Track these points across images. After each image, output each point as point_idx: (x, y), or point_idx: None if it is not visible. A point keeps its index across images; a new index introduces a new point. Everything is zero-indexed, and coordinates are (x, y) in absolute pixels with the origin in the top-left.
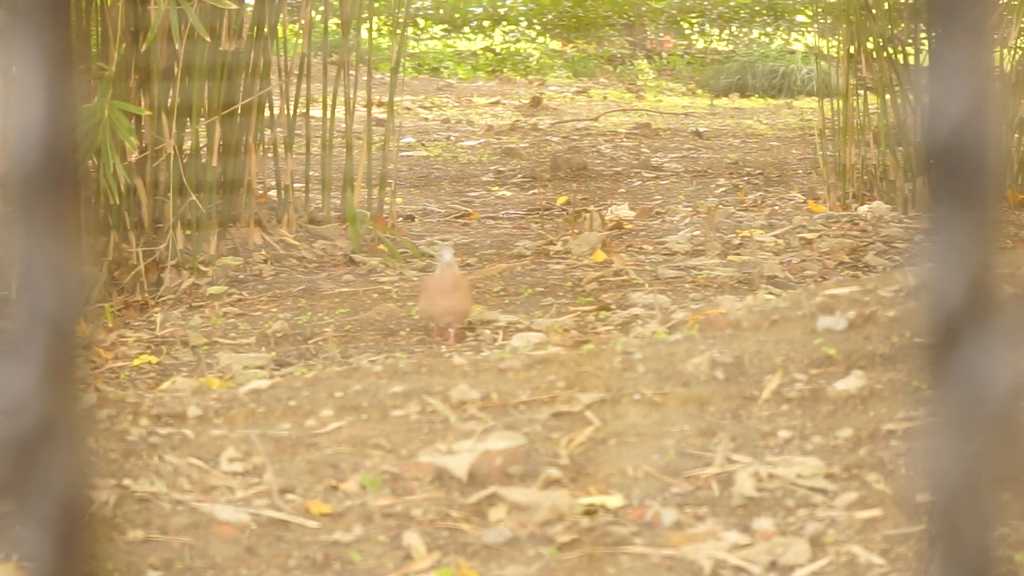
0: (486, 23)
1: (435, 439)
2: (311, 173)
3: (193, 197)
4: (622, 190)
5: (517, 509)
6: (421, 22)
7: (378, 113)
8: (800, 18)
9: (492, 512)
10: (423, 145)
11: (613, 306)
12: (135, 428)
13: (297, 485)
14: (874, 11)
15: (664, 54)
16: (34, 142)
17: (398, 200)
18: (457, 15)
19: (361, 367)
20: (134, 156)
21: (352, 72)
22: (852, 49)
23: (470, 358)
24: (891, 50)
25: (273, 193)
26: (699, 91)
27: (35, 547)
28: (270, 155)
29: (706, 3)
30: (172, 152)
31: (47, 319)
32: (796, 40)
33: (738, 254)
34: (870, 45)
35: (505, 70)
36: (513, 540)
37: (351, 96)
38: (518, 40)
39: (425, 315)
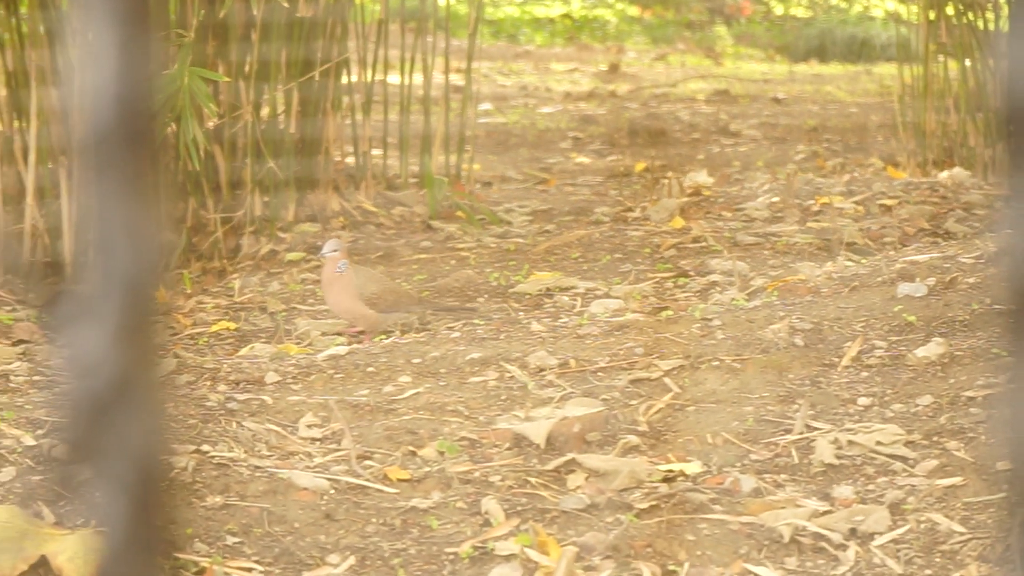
0: None
1: (513, 405)
2: (389, 139)
3: (271, 163)
4: (700, 156)
5: (595, 475)
6: None
7: (456, 79)
8: None
9: (570, 478)
10: (501, 111)
11: (692, 272)
12: (213, 394)
13: (375, 451)
14: None
15: (743, 19)
16: (108, 103)
17: (476, 166)
18: None
19: (439, 333)
20: (212, 122)
21: (430, 37)
22: (932, 14)
23: (548, 324)
24: (971, 15)
25: (351, 159)
26: (778, 57)
27: (111, 509)
28: (348, 120)
29: None
30: (250, 117)
31: (122, 280)
32: (875, 5)
33: (817, 220)
34: (950, 10)
35: (583, 36)
36: (591, 506)
37: (429, 62)
38: (596, 6)
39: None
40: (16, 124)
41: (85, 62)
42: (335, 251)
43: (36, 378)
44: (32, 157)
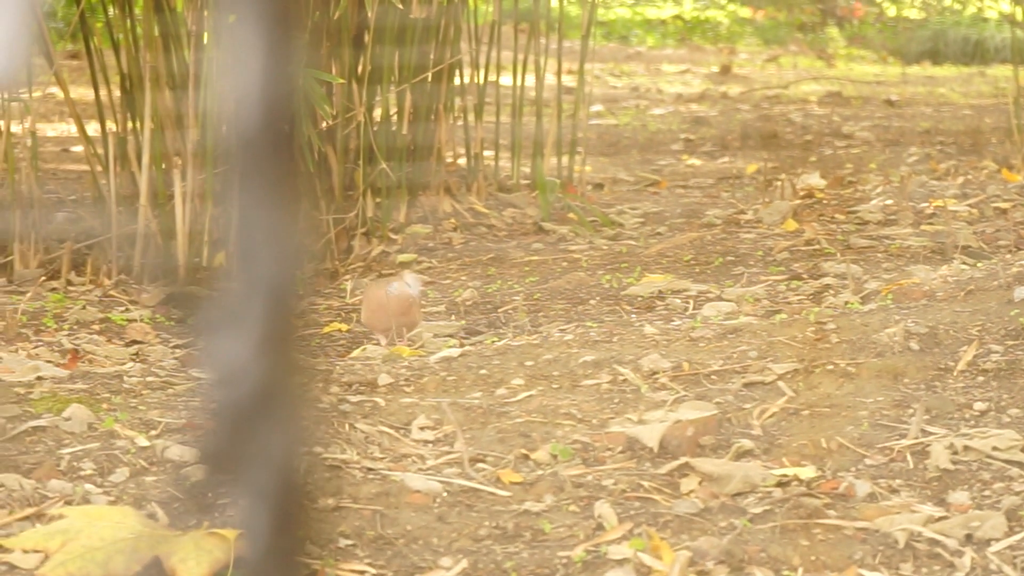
0: None
1: (626, 409)
2: (500, 141)
3: (383, 164)
4: (813, 159)
5: (709, 480)
6: None
7: (568, 81)
8: None
9: (684, 483)
10: (612, 113)
11: (805, 275)
12: (326, 396)
13: (488, 454)
14: None
15: (855, 21)
16: (253, 106)
17: (587, 168)
18: None
19: (551, 336)
20: (326, 124)
21: (542, 39)
22: None
23: (661, 327)
24: None
25: (463, 160)
26: (890, 59)
27: (251, 517)
28: (460, 122)
29: None
30: (362, 120)
31: (265, 286)
32: (989, 7)
33: (931, 223)
34: None
35: (694, 38)
36: (705, 511)
37: (541, 63)
38: (707, 7)
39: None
40: (130, 126)
41: (229, 65)
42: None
43: (150, 379)
44: (146, 159)
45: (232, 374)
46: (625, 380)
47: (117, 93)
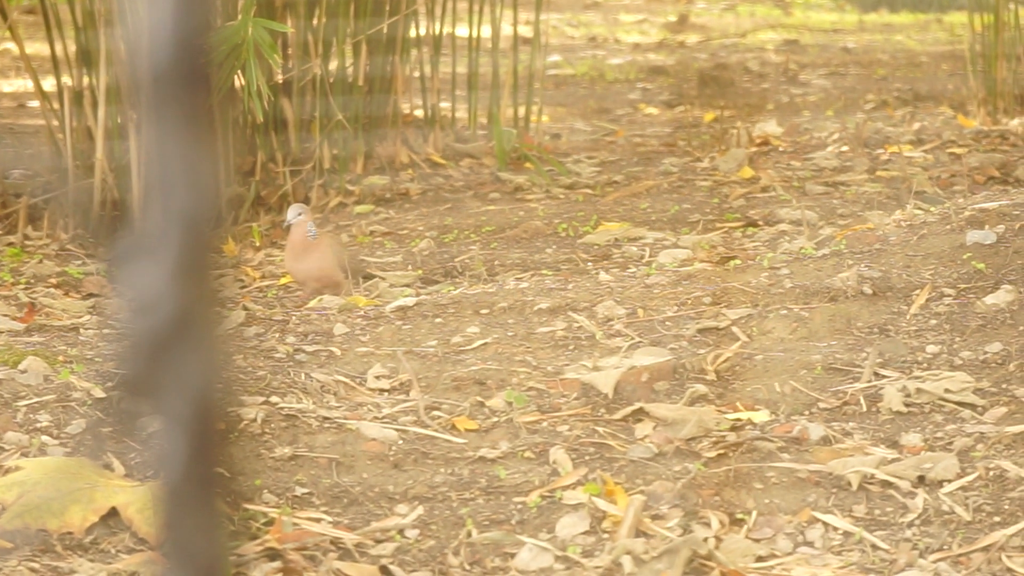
0: None
1: (581, 356)
2: (457, 92)
3: (340, 116)
4: (770, 107)
5: (663, 425)
6: None
7: (524, 31)
8: None
9: (638, 428)
10: (569, 63)
11: (760, 222)
12: (282, 346)
13: (443, 402)
14: None
15: None
16: (164, 40)
17: (544, 118)
18: None
19: (507, 285)
20: (280, 75)
21: None
22: None
23: (616, 275)
24: None
25: (419, 111)
26: (847, 7)
27: (168, 444)
28: (416, 72)
29: None
30: (318, 70)
31: (180, 217)
32: None
33: (886, 169)
34: None
35: None
36: (659, 456)
37: (497, 14)
38: None
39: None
40: (86, 81)
41: (142, 1)
42: (300, 215)
43: (106, 331)
44: (101, 113)
45: (148, 302)
46: (580, 327)
47: (73, 47)
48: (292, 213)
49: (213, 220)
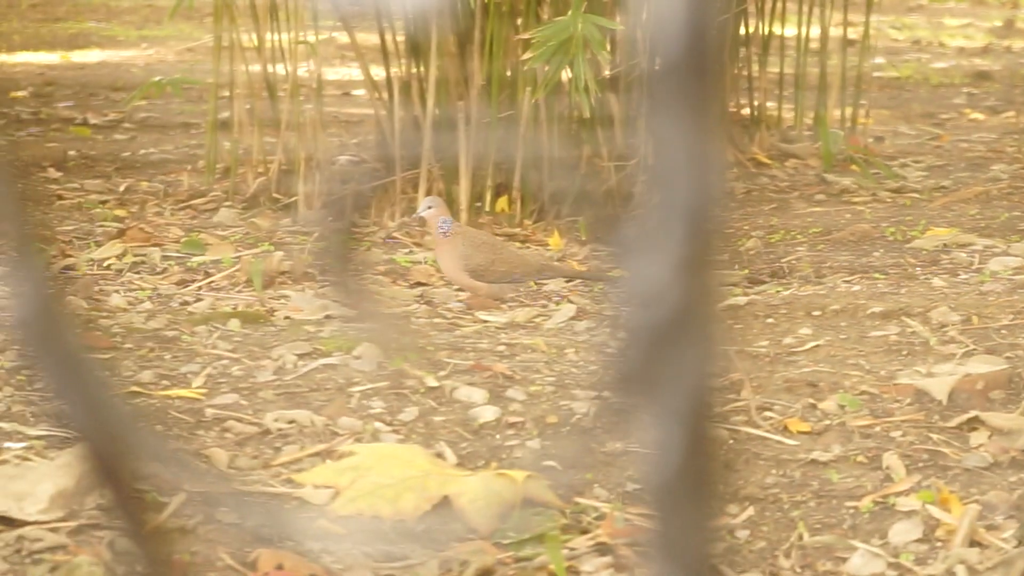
0: None
1: (914, 361)
2: (784, 92)
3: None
4: None
5: (999, 434)
6: None
7: (851, 33)
8: None
9: (973, 436)
10: (894, 66)
11: None
12: (613, 340)
13: (775, 402)
14: None
15: None
16: (676, 31)
17: (869, 120)
18: None
19: (838, 287)
20: (607, 71)
21: None
22: None
23: (949, 280)
24: None
25: (746, 110)
26: None
27: (665, 438)
28: (744, 72)
29: None
30: (645, 66)
31: (684, 209)
32: None
33: None
34: None
35: None
36: (994, 465)
37: (826, 15)
38: None
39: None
40: (413, 70)
41: None
42: (431, 208)
43: (436, 320)
44: (430, 103)
45: (650, 296)
46: (914, 332)
47: (401, 38)
48: (423, 206)
49: (717, 213)
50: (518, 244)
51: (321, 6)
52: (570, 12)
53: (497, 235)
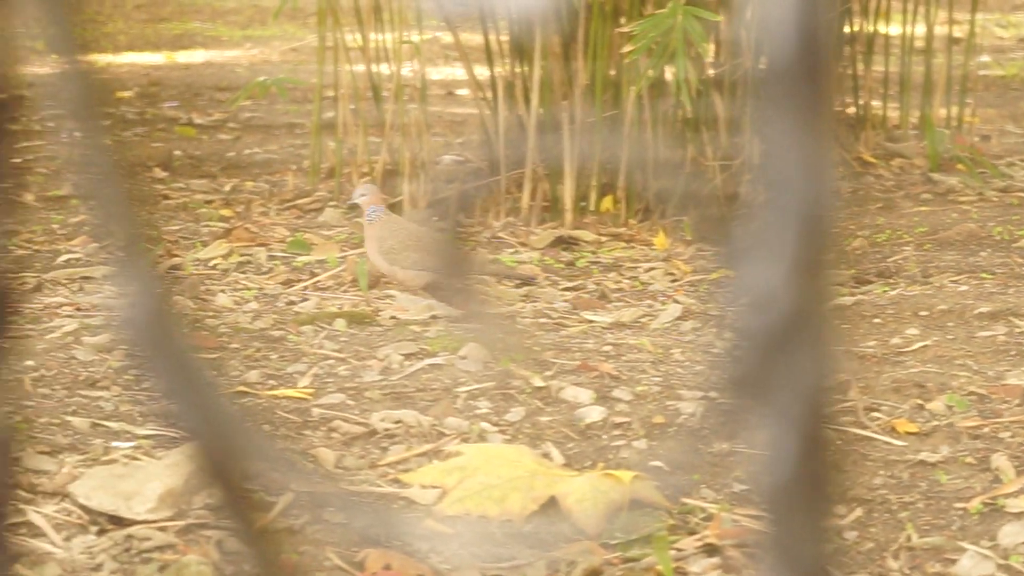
0: None
1: (1022, 361)
2: (889, 92)
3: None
4: None
5: None
6: None
7: (956, 31)
8: None
9: None
10: (999, 64)
11: None
12: (719, 341)
13: (882, 403)
14: None
15: None
16: (787, 31)
17: (975, 119)
18: None
19: (945, 287)
20: (710, 67)
21: None
22: None
23: None
24: None
25: (851, 108)
26: None
27: (778, 442)
28: (848, 72)
29: None
30: (750, 63)
31: (797, 212)
32: None
33: None
34: None
35: None
36: None
37: (931, 14)
38: None
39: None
40: (517, 69)
41: None
42: (363, 196)
43: (541, 320)
44: (535, 101)
45: (763, 300)
46: (1022, 332)
47: (505, 37)
48: (357, 193)
49: (829, 216)
50: (623, 244)
51: (425, 6)
52: (669, 5)
53: (602, 235)
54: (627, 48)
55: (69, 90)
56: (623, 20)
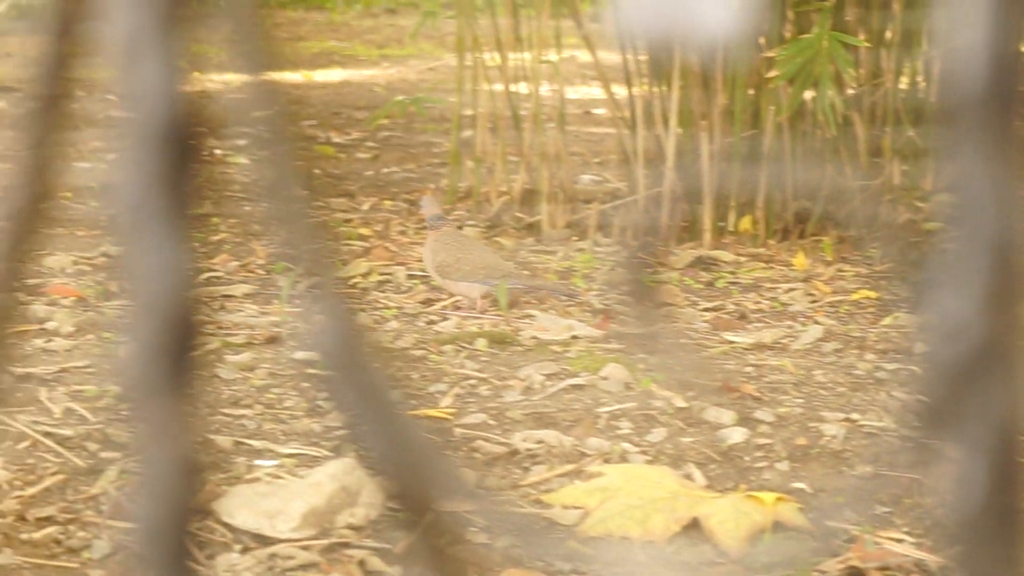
0: None
1: None
2: None
3: (910, 131)
4: None
5: None
6: None
7: None
8: None
9: None
10: None
11: None
12: (861, 362)
13: None
14: None
15: None
16: (980, 61)
17: None
18: None
19: None
20: (852, 89)
21: None
22: None
23: None
24: None
25: None
26: None
27: (969, 472)
28: None
29: None
30: (890, 85)
31: (989, 242)
32: None
33: None
34: None
35: None
36: None
37: None
38: None
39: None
40: (655, 89)
41: (954, 23)
42: (425, 207)
43: (682, 341)
44: (673, 121)
45: (955, 329)
46: None
47: (643, 58)
48: (422, 204)
49: (1020, 247)
50: (762, 264)
51: (564, 26)
52: (814, 29)
53: (741, 255)
54: (772, 73)
55: (259, 111)
56: (762, 40)
